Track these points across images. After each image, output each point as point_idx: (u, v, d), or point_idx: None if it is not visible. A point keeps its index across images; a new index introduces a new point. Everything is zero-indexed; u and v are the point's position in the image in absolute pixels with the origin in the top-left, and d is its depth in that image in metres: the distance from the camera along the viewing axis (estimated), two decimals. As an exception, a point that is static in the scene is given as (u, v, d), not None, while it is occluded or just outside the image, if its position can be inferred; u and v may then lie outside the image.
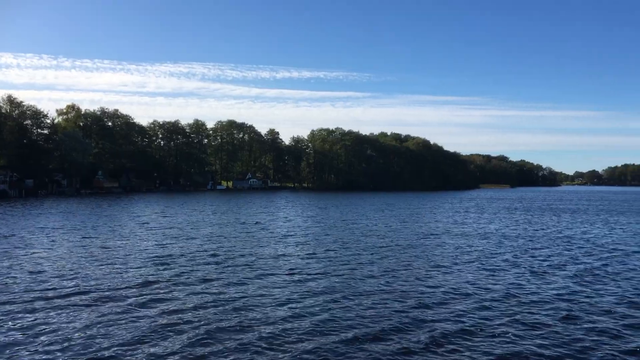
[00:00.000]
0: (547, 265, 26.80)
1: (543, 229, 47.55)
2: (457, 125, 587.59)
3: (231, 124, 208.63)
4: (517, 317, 16.92)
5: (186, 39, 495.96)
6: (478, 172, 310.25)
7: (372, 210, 72.93)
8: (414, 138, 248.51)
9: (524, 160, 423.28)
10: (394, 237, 39.63)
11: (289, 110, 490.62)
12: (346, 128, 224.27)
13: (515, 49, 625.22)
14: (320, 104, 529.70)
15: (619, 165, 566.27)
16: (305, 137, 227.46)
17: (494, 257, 29.56)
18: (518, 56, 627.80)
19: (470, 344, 14.33)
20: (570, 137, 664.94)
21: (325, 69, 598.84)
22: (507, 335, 14.96)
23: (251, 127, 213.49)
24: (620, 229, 48.62)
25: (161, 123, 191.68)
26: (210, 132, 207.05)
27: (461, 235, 41.60)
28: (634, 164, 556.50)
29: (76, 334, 14.88)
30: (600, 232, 45.23)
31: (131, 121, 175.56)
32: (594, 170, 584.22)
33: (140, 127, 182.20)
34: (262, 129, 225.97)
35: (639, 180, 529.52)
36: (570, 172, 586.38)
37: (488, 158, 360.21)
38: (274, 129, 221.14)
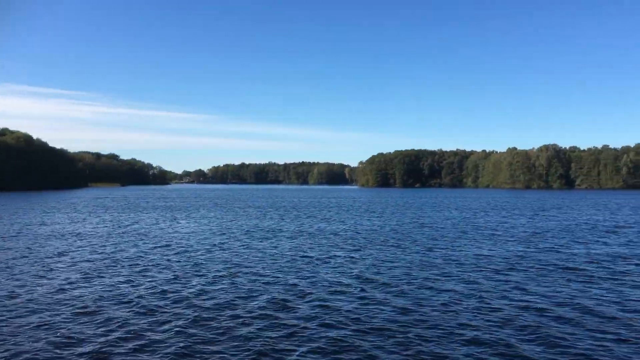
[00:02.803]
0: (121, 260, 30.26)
1: (131, 226, 52.20)
2: (65, 121, 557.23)
3: None
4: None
5: None
6: (87, 170, 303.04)
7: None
8: (13, 132, 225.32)
9: (134, 159, 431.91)
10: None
11: None
12: None
13: (148, 49, 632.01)
14: None
15: (222, 165, 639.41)
16: None
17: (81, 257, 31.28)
18: (123, 54, 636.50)
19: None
20: (179, 137, 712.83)
21: None
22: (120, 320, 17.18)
23: None
24: (207, 224, 54.86)
25: None
26: None
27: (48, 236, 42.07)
28: (234, 164, 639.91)
29: None
30: (188, 227, 51.05)
31: None
32: (200, 170, 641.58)
33: None
34: None
35: (237, 178, 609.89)
36: (179, 171, 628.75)
37: (98, 156, 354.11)
38: None
